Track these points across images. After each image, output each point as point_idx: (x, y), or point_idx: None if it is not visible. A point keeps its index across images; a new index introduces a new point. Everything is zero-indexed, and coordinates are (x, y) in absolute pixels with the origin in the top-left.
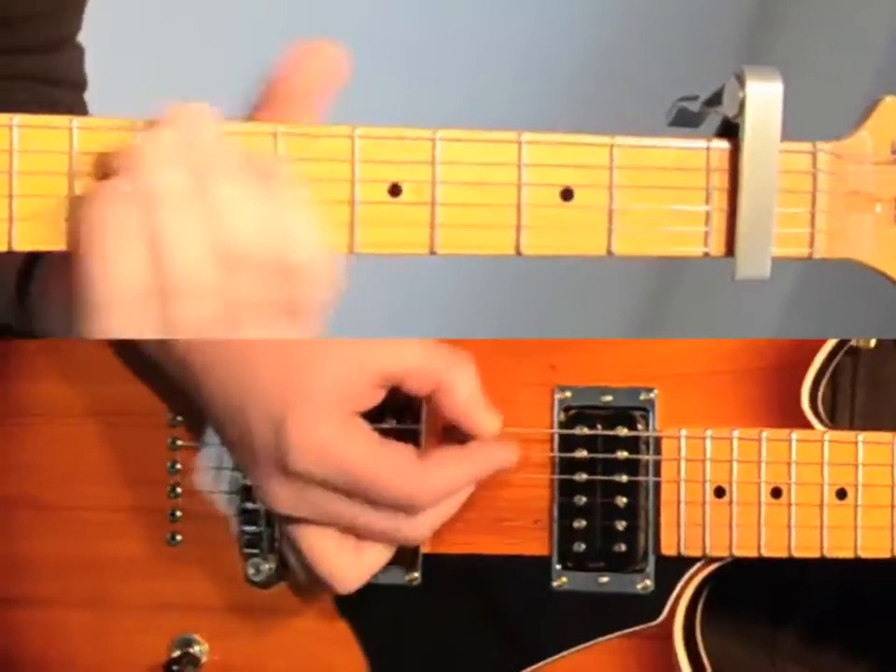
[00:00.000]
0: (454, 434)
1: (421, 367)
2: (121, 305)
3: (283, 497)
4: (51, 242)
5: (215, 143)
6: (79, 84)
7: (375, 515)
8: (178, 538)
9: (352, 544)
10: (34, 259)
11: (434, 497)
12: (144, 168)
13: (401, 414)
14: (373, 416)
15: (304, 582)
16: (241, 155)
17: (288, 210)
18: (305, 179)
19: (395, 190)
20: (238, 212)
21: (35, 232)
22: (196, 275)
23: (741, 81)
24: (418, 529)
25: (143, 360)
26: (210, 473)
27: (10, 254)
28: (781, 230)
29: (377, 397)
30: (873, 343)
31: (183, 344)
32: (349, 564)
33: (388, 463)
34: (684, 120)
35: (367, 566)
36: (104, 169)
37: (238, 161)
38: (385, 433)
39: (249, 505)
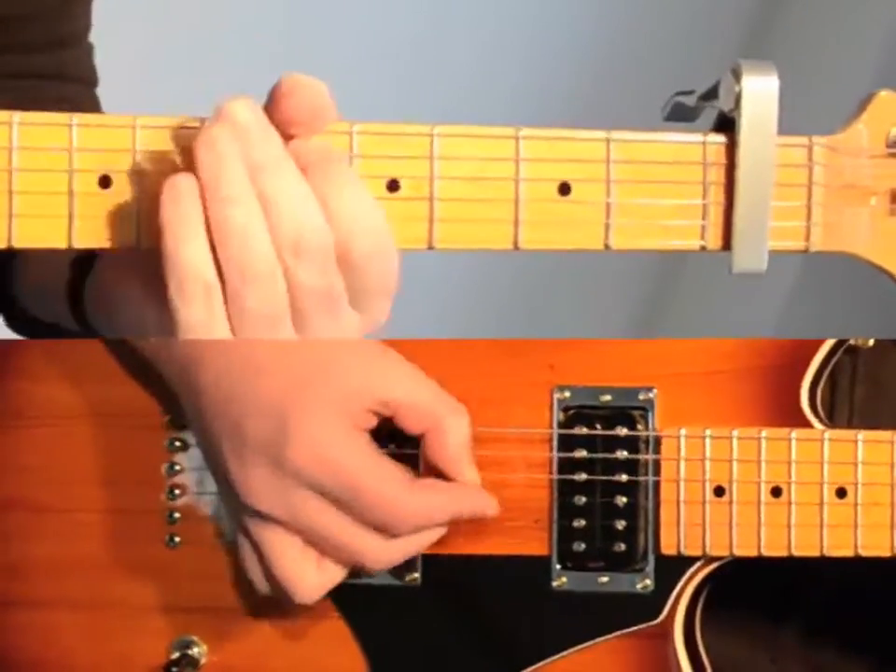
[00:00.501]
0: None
1: (419, 405)
2: (194, 299)
3: (262, 489)
4: (51, 239)
5: (265, 138)
6: (90, 80)
7: (350, 529)
8: (177, 539)
9: (314, 556)
10: (82, 263)
11: (414, 520)
12: (202, 165)
13: (401, 440)
14: (373, 439)
15: (259, 592)
16: (285, 149)
17: (350, 200)
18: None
19: (393, 186)
20: (292, 203)
21: (34, 229)
22: (262, 266)
23: (737, 75)
24: (387, 555)
25: (136, 360)
26: (207, 473)
27: (54, 259)
28: (778, 223)
29: (372, 421)
30: (871, 342)
31: (187, 342)
32: (311, 573)
33: (383, 478)
34: (680, 115)
35: (327, 578)
36: (164, 166)
37: (287, 155)
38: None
39: None
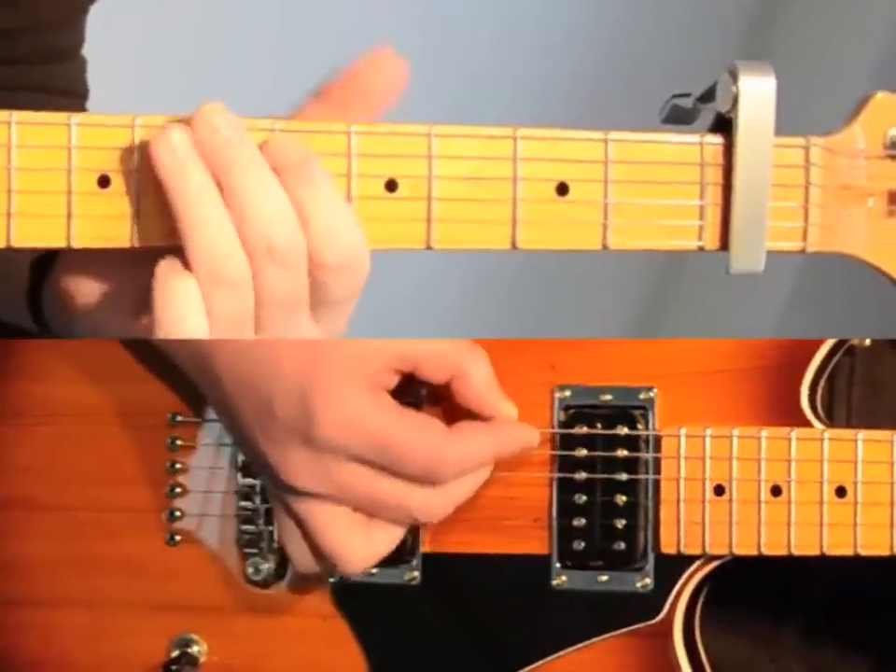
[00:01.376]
0: None
1: (439, 352)
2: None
3: (302, 468)
4: (50, 238)
5: (234, 139)
6: (82, 94)
7: (396, 485)
8: (177, 538)
9: (363, 523)
10: (43, 263)
11: (458, 466)
12: (166, 168)
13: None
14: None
15: (303, 571)
16: (258, 151)
17: (327, 209)
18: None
19: (391, 185)
20: (263, 206)
21: (33, 228)
22: (229, 267)
23: (734, 76)
24: (436, 505)
25: (150, 352)
26: (207, 472)
27: (16, 258)
28: (775, 223)
29: (392, 380)
30: (867, 342)
31: None
32: (359, 543)
33: (415, 430)
34: (678, 117)
35: (376, 547)
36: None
37: (260, 157)
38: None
39: (248, 504)
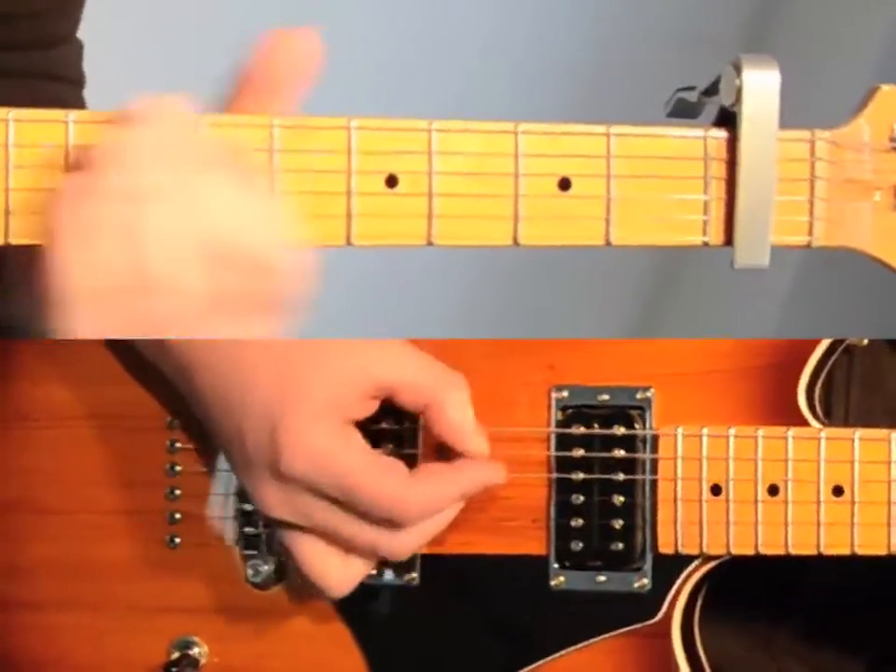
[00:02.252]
0: (449, 458)
1: (415, 382)
2: (94, 301)
3: (273, 500)
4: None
5: (191, 137)
6: (78, 81)
7: (360, 527)
8: (177, 540)
9: (338, 552)
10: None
11: (419, 512)
12: (121, 164)
13: (400, 416)
14: (372, 416)
15: (302, 584)
16: (218, 149)
17: (265, 201)
18: (297, 169)
19: (391, 181)
20: (217, 205)
21: (31, 226)
22: (177, 268)
23: (738, 69)
24: (402, 545)
25: (139, 361)
26: (208, 475)
27: None
28: (780, 218)
29: (370, 407)
30: (865, 341)
31: (180, 344)
32: (337, 571)
33: (377, 474)
34: (682, 111)
35: (353, 572)
36: (75, 162)
37: (215, 156)
38: (383, 434)
39: (248, 507)
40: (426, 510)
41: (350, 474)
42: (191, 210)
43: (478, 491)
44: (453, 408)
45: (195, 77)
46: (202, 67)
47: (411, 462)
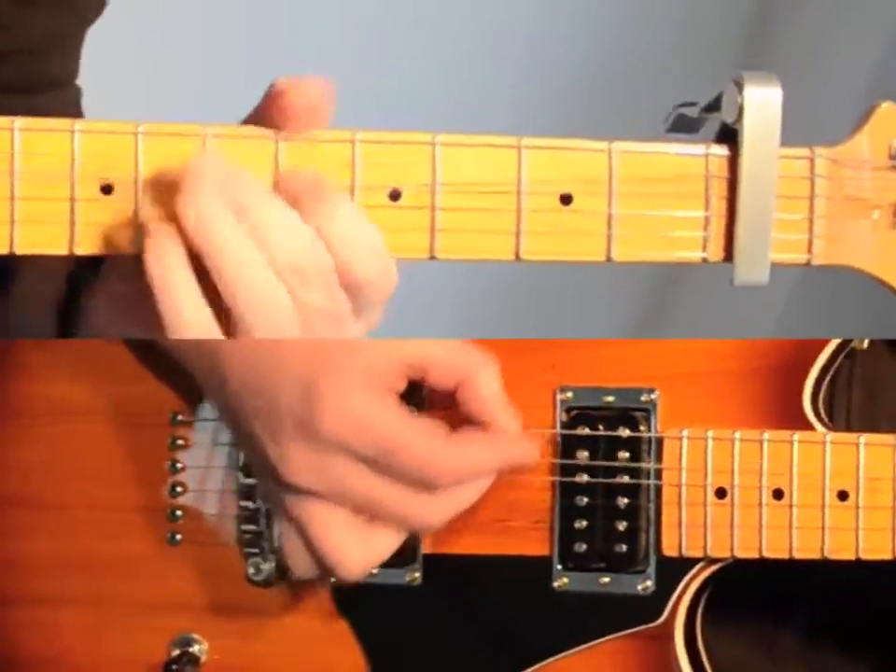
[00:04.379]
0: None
1: (447, 359)
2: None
3: (302, 465)
4: (53, 245)
5: (241, 175)
6: None
7: (393, 491)
8: (178, 537)
9: (362, 527)
10: (77, 280)
11: (454, 473)
12: (187, 224)
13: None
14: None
15: (300, 576)
16: (264, 186)
17: (344, 225)
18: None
19: (395, 195)
20: (283, 233)
21: (36, 235)
22: (265, 294)
23: (739, 87)
24: (434, 512)
25: (149, 351)
26: (208, 471)
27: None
28: (779, 235)
29: (401, 384)
30: (865, 343)
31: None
32: (357, 547)
33: (417, 434)
34: (683, 126)
35: (374, 552)
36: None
37: (268, 191)
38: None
39: (249, 504)
40: (460, 472)
41: (389, 433)
42: (261, 238)
43: (513, 466)
44: (486, 384)
45: (207, 82)
46: (212, 73)
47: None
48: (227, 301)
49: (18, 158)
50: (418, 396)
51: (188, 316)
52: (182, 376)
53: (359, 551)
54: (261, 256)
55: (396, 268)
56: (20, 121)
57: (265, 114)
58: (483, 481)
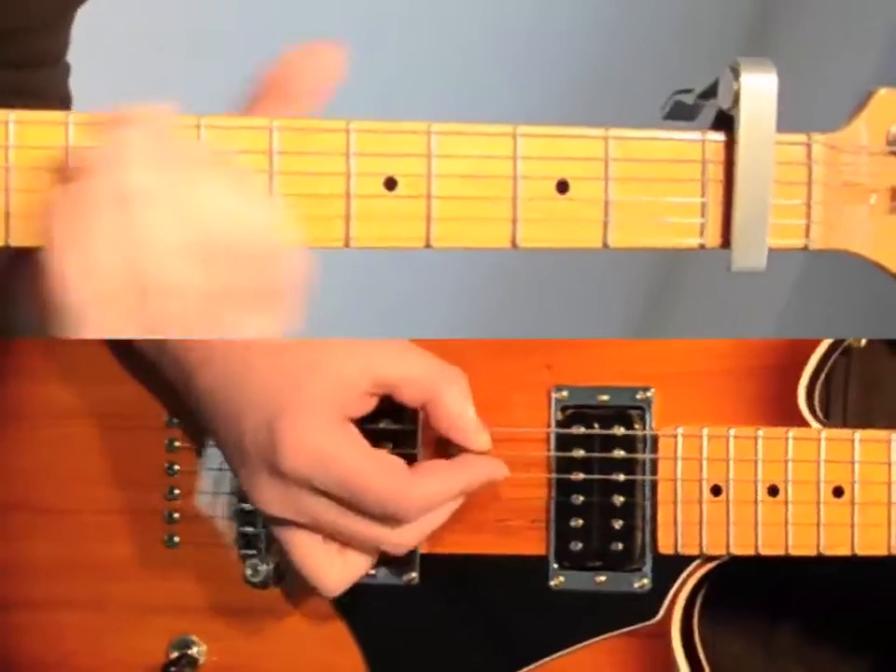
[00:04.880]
0: (449, 456)
1: (415, 377)
2: (94, 305)
3: (270, 497)
4: None
5: (178, 140)
6: (64, 100)
7: (360, 523)
8: (176, 539)
9: (336, 548)
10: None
11: (419, 508)
12: (111, 168)
13: (399, 416)
14: (371, 417)
15: (301, 583)
16: (206, 149)
17: (257, 199)
18: (296, 172)
19: (390, 184)
20: (209, 204)
21: (31, 228)
22: (174, 269)
23: (736, 73)
24: (402, 539)
25: (139, 360)
26: (206, 475)
27: None
28: (777, 221)
29: (370, 404)
30: (863, 342)
31: (178, 342)
32: (333, 567)
33: (376, 471)
34: (680, 114)
35: (351, 570)
36: (65, 170)
37: (204, 156)
38: (382, 434)
39: (246, 506)
40: (427, 505)
41: (349, 472)
42: (182, 210)
43: (480, 486)
44: (452, 402)
45: (184, 96)
46: (191, 85)
47: (410, 462)
48: (127, 260)
49: (12, 151)
50: (411, 409)
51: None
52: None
53: (336, 570)
54: (172, 221)
55: (296, 255)
56: (14, 114)
57: (277, 77)
58: (452, 503)
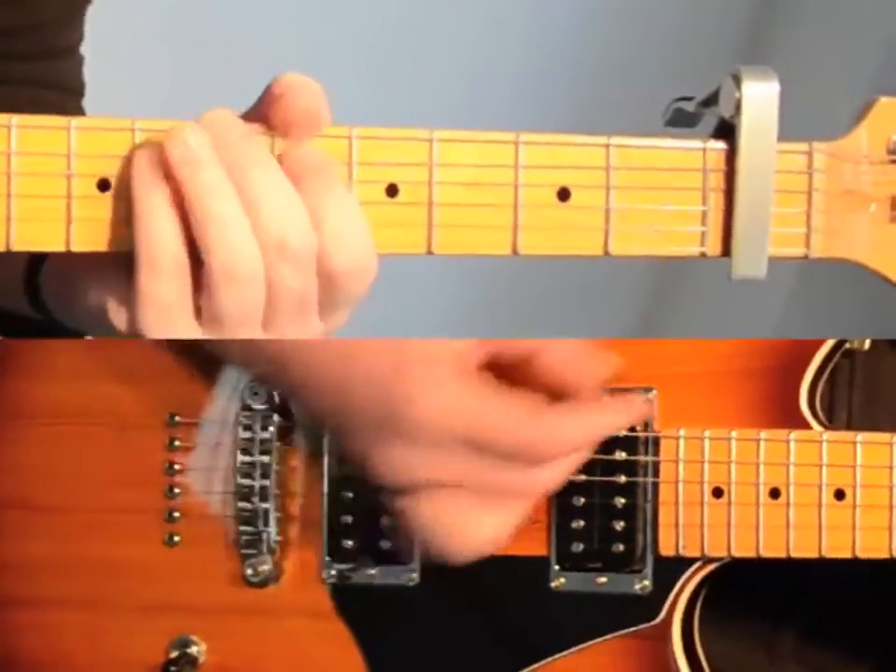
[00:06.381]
0: None
1: (513, 344)
2: (164, 275)
3: (400, 462)
4: (49, 242)
5: (245, 141)
6: (79, 91)
7: (500, 471)
8: (176, 538)
9: (480, 504)
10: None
11: (560, 447)
12: (180, 164)
13: None
14: None
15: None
16: (269, 152)
17: (338, 213)
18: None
19: (392, 191)
20: (277, 204)
21: (32, 233)
22: (242, 261)
23: (737, 82)
24: (544, 482)
25: (152, 344)
26: (207, 474)
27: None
28: (777, 229)
29: (483, 359)
30: (867, 343)
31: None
32: (482, 524)
33: (515, 411)
34: (680, 121)
35: (500, 525)
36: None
37: (271, 158)
38: None
39: (247, 505)
40: (565, 447)
41: (486, 417)
42: (250, 206)
43: (622, 428)
44: (558, 350)
45: (195, 87)
46: (210, 69)
47: None
48: (201, 251)
49: (14, 155)
50: None
51: (161, 241)
52: (183, 377)
53: (487, 526)
54: (246, 219)
55: (374, 273)
56: (16, 119)
57: (264, 113)
58: (591, 446)
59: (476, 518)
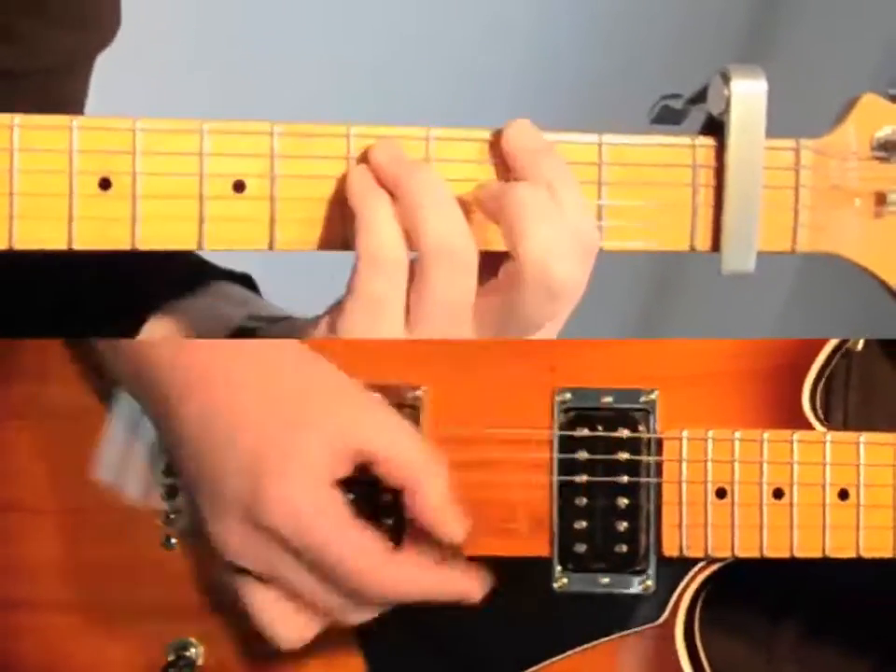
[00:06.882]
0: None
1: (397, 460)
2: (383, 271)
3: (237, 544)
4: (51, 240)
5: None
6: None
7: (323, 591)
8: (173, 540)
9: (293, 607)
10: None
11: (384, 595)
12: (393, 167)
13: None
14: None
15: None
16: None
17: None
18: (297, 175)
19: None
20: (585, 215)
21: (35, 231)
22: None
23: (726, 79)
24: (359, 617)
25: (100, 371)
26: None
27: None
28: (765, 224)
29: (348, 469)
30: (860, 343)
31: (162, 366)
32: (288, 625)
33: (354, 548)
34: (667, 118)
35: (305, 630)
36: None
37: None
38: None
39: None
40: (391, 595)
41: (329, 543)
42: (567, 219)
43: (450, 600)
44: (431, 494)
45: (195, 87)
46: (211, 69)
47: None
48: (417, 238)
49: (17, 154)
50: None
51: (383, 239)
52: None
53: (290, 627)
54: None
55: (573, 293)
56: (19, 118)
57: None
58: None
59: (281, 618)
